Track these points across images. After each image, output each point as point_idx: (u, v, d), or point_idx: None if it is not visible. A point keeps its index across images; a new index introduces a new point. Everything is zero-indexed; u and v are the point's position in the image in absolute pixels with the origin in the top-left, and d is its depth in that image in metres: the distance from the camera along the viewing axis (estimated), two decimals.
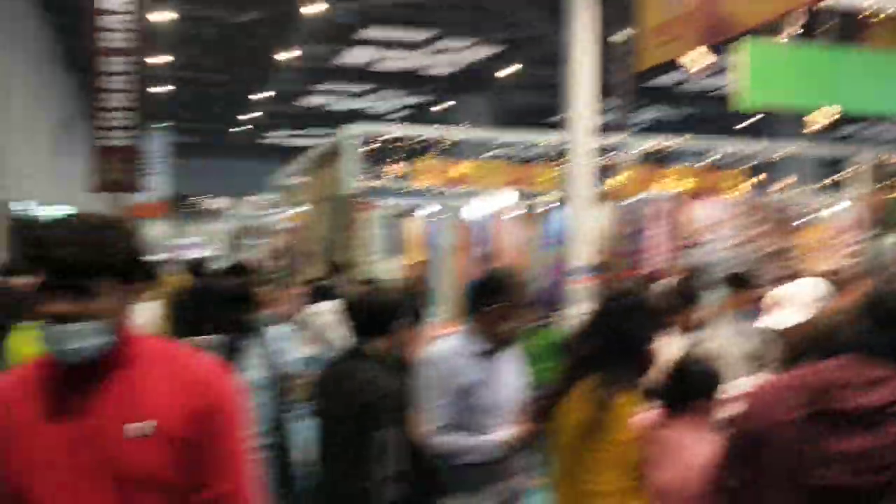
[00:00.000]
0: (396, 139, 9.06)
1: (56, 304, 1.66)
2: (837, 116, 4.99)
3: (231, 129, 29.60)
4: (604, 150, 10.35)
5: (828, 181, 11.29)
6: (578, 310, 4.89)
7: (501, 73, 21.67)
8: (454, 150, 9.88)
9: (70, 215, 1.76)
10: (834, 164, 12.23)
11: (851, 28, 5.24)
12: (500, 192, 10.57)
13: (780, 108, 4.94)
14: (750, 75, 4.81)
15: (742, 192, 10.63)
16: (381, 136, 9.26)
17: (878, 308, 1.91)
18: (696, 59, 4.73)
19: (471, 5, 17.24)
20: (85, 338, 1.68)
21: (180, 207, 30.71)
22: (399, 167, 9.53)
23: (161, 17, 17.51)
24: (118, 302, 1.74)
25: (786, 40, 4.85)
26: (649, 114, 25.80)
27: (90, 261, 1.67)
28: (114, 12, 15.04)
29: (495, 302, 3.08)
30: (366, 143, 8.78)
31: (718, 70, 21.29)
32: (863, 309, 1.94)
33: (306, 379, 3.97)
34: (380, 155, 9.72)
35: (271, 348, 3.84)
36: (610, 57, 18.12)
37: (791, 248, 10.94)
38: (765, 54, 4.85)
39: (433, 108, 25.82)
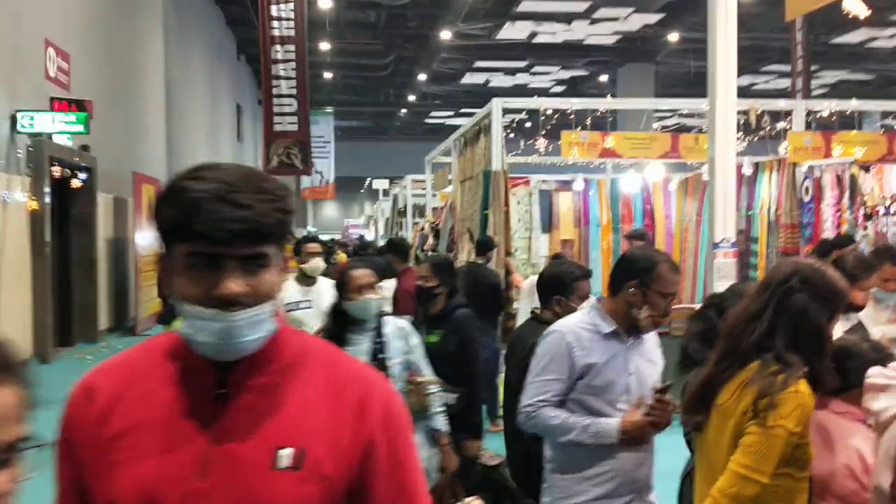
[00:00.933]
0: (543, 112, 8.78)
1: (228, 282, 1.22)
2: None
3: (394, 111, 30.21)
4: (776, 116, 9.69)
5: None
6: (723, 286, 4.51)
7: (662, 41, 20.83)
8: (605, 122, 9.49)
9: (215, 165, 1.30)
10: None
11: None
12: (650, 164, 10.13)
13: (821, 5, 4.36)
14: None
15: None
16: (526, 109, 9.02)
17: None
18: (855, 6, 4.22)
19: None
20: (256, 327, 1.25)
21: (348, 189, 31.78)
22: (545, 141, 9.26)
23: (324, 3, 18.01)
24: (279, 278, 1.29)
25: None
26: (836, 75, 23.97)
27: (266, 221, 1.23)
28: (280, 1, 15.65)
29: (629, 285, 2.87)
30: (512, 118, 8.57)
31: None
32: None
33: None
34: (529, 130, 9.50)
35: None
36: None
37: None
38: None
39: (593, 81, 25.25)
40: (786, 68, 20.04)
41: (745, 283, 4.29)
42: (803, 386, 2.29)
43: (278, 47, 16.16)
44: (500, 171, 8.53)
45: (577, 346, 2.89)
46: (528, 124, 9.48)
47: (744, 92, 17.84)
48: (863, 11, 4.16)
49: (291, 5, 15.75)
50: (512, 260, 8.84)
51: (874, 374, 2.36)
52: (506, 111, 8.75)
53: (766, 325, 2.38)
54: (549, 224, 11.06)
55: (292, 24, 15.78)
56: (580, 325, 2.97)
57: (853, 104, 9.62)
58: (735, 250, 4.65)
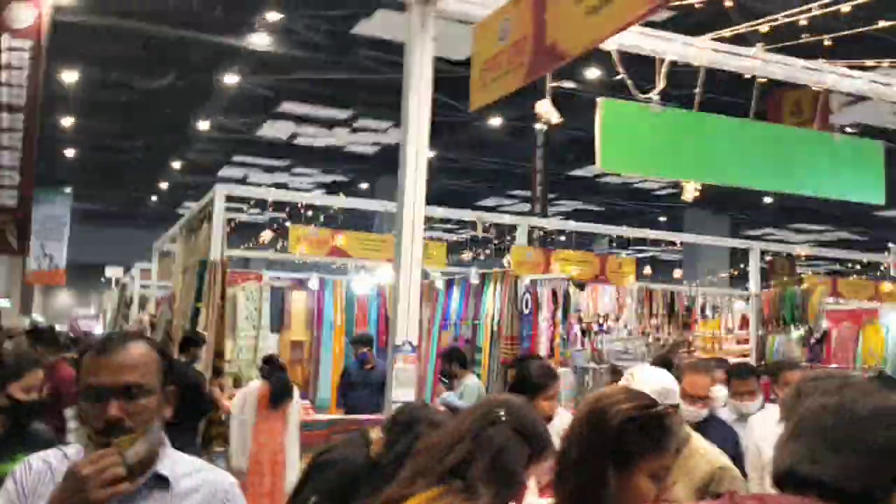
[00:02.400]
0: (270, 204, 8.37)
1: None
2: (698, 193, 4.53)
3: (144, 197, 28.61)
4: (501, 232, 9.98)
5: (726, 274, 10.98)
6: (403, 394, 4.23)
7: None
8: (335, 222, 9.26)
9: None
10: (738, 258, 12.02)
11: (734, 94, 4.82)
12: (382, 267, 10.01)
13: (637, 173, 4.49)
14: (602, 137, 4.34)
15: (630, 281, 10.24)
16: (252, 199, 8.58)
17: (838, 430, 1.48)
18: (547, 111, 4.24)
19: (391, 87, 16.97)
20: None
21: (85, 276, 29.35)
22: (269, 234, 8.83)
23: (70, 77, 16.75)
24: None
25: (654, 103, 4.40)
26: (573, 204, 25.79)
27: None
28: (10, 67, 14.29)
29: None
30: (237, 207, 8.09)
31: None
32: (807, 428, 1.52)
33: None
34: (253, 224, 9.04)
35: None
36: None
37: (686, 340, 10.54)
38: (619, 115, 4.40)
39: (354, 187, 25.41)
40: (528, 193, 21.26)
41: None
42: None
43: (5, 114, 14.64)
44: (217, 262, 7.92)
45: None
46: (249, 212, 9.00)
47: (490, 210, 18.48)
48: (555, 117, 4.15)
49: (24, 72, 14.42)
50: (223, 382, 8.04)
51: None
52: (230, 198, 8.23)
53: (465, 452, 2.15)
54: (279, 323, 10.52)
55: (23, 91, 14.40)
56: None
57: (571, 224, 10.10)
58: (414, 356, 4.39)
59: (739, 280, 14.18)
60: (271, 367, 7.67)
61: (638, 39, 4.39)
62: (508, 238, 9.78)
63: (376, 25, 12.90)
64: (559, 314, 9.06)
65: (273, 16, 12.47)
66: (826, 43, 4.42)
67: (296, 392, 8.04)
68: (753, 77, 4.67)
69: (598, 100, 4.39)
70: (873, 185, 5.01)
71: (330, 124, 19.85)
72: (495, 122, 17.78)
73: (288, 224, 8.34)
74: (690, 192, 4.50)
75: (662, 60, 4.41)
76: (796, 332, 9.85)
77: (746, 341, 10.06)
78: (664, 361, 4.73)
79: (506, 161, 20.91)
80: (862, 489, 1.45)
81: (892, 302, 10.70)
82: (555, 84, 4.30)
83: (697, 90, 4.52)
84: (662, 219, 26.10)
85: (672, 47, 4.43)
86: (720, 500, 1.58)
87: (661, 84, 4.40)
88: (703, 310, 10.33)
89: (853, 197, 5.03)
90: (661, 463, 1.98)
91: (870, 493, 1.45)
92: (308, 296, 10.62)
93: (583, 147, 20.78)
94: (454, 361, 7.91)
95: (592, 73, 14.73)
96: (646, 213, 24.37)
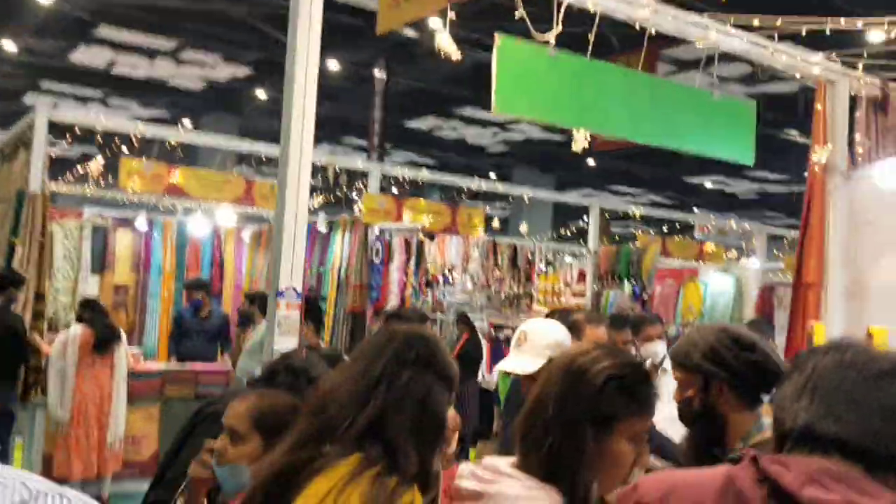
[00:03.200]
0: (101, 135, 7.52)
1: None
2: (588, 141, 4.41)
3: None
4: (351, 177, 9.59)
5: (566, 231, 11.21)
6: (285, 342, 3.85)
7: (250, 95, 20.42)
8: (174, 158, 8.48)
9: None
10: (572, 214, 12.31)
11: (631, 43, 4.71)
12: (222, 209, 9.34)
13: (532, 119, 4.32)
14: (498, 76, 4.09)
15: (480, 233, 10.23)
16: (78, 125, 7.66)
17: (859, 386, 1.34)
18: (447, 45, 3.93)
19: (223, 18, 15.87)
20: None
21: None
22: (98, 167, 7.95)
23: None
24: None
25: (550, 42, 4.20)
26: (407, 156, 25.64)
27: None
28: None
29: None
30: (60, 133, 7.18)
31: (474, 120, 21.36)
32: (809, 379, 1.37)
33: None
34: (80, 153, 8.12)
35: None
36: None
37: (527, 293, 10.70)
38: (516, 54, 4.17)
39: (175, 125, 23.87)
40: (363, 143, 20.84)
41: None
42: (419, 499, 1.69)
43: None
44: (38, 195, 7.03)
45: None
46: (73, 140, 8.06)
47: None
48: (455, 53, 3.85)
49: None
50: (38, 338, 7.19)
51: (465, 474, 1.80)
52: (54, 125, 7.30)
53: (378, 407, 1.80)
54: (101, 265, 9.61)
55: None
56: None
57: (424, 174, 9.88)
58: (300, 302, 4.02)
59: (569, 239, 14.64)
60: (92, 312, 6.99)
61: None
62: (359, 186, 9.42)
63: None
64: (412, 264, 8.86)
65: None
66: None
67: (124, 336, 7.45)
68: (643, 29, 4.59)
69: (496, 35, 4.12)
70: (745, 145, 5.12)
71: (152, 54, 18.40)
72: (333, 66, 17.16)
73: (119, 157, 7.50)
74: (581, 142, 4.37)
75: (560, 2, 4.22)
76: (629, 287, 10.23)
77: (583, 295, 10.34)
78: (560, 316, 4.64)
79: (342, 108, 20.34)
80: (888, 453, 1.32)
81: (713, 261, 11.39)
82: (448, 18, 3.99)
83: (591, 36, 4.36)
84: (493, 175, 26.57)
85: None
86: (741, 464, 1.41)
87: (558, 26, 4.21)
88: (546, 263, 10.51)
89: (725, 155, 5.12)
90: (642, 425, 1.80)
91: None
92: (134, 236, 9.77)
93: (421, 98, 20.62)
94: (255, 304, 7.41)
95: (435, 22, 14.54)
96: (477, 169, 24.61)
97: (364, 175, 9.55)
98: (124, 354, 7.24)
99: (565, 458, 1.73)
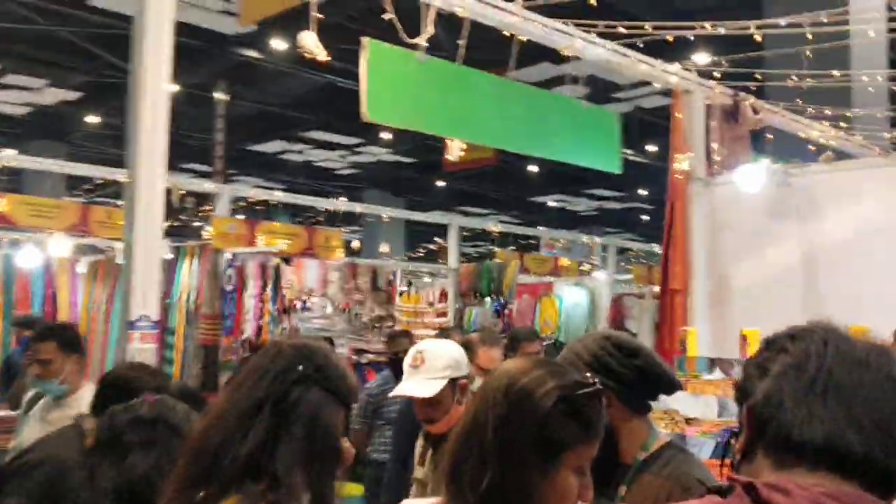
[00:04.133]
0: None
1: None
2: (463, 150, 4.22)
3: None
4: (201, 199, 8.99)
5: (423, 249, 11.04)
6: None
7: (79, 120, 19.14)
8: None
9: None
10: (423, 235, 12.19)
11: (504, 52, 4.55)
12: (55, 238, 8.46)
13: (402, 126, 4.10)
14: (369, 82, 3.83)
15: (339, 255, 9.87)
16: None
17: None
18: (311, 44, 3.63)
19: (47, 41, 14.72)
20: None
21: None
22: None
23: None
24: None
25: (421, 49, 3.98)
26: (255, 181, 24.78)
27: None
28: None
29: None
30: None
31: (322, 143, 20.89)
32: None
33: None
34: None
35: None
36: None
37: (389, 315, 10.42)
38: (385, 58, 3.92)
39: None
40: (205, 168, 19.92)
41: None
42: None
43: None
44: None
45: None
46: None
47: None
48: (321, 54, 3.55)
49: None
50: None
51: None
52: None
53: (261, 435, 1.52)
54: None
55: None
56: None
57: (278, 195, 9.43)
58: (156, 332, 3.56)
59: (421, 259, 14.50)
60: None
61: None
62: (205, 210, 8.84)
63: None
64: (269, 290, 8.36)
65: None
66: (591, 1, 4.33)
67: None
68: (512, 35, 4.47)
69: (364, 40, 3.86)
70: (611, 155, 5.11)
71: None
72: (171, 87, 16.34)
73: None
74: (456, 151, 4.17)
75: (428, 6, 4.01)
76: (490, 304, 10.17)
77: (445, 314, 10.19)
78: (447, 336, 4.44)
79: (181, 131, 19.40)
80: None
81: (567, 275, 11.57)
82: (319, 15, 3.68)
83: (461, 41, 4.18)
84: (343, 198, 26.16)
85: None
86: (733, 494, 1.16)
87: (428, 30, 4.00)
88: (410, 284, 10.28)
89: (593, 164, 5.08)
90: (590, 453, 1.56)
91: None
92: None
93: (265, 121, 19.99)
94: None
95: (278, 43, 14.07)
96: (327, 193, 24.12)
97: (210, 198, 8.98)
98: None
99: (509, 498, 1.47)
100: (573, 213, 25.65)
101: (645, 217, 24.94)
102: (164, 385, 3.29)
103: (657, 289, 12.64)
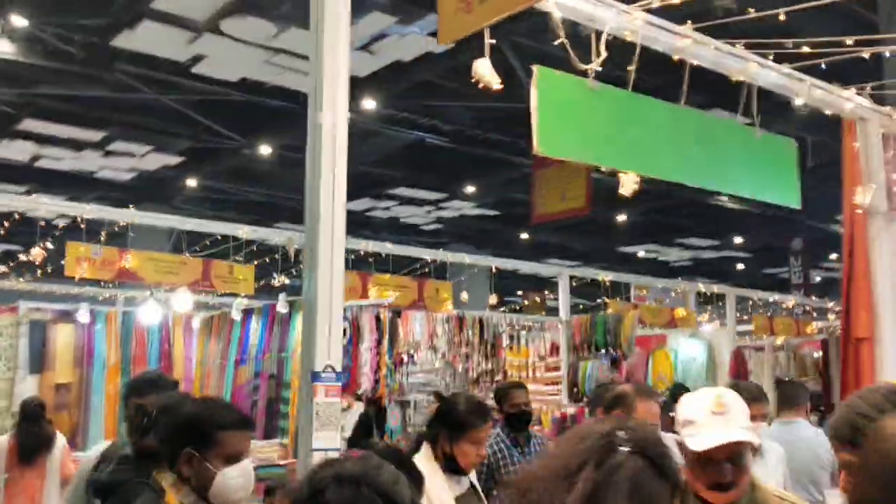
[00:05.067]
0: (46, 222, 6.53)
1: None
2: (636, 186, 3.77)
3: None
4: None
5: (534, 300, 10.56)
6: (323, 439, 2.97)
7: (180, 185, 19.46)
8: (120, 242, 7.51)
9: None
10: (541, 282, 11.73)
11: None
12: (177, 294, 8.29)
13: (574, 159, 3.68)
14: (540, 113, 3.43)
15: (448, 308, 9.46)
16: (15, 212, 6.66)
17: None
18: (486, 73, 3.27)
19: (150, 108, 14.98)
20: None
21: None
22: (41, 253, 6.95)
23: None
24: None
25: (592, 75, 3.58)
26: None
27: None
28: None
29: None
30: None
31: (407, 199, 20.89)
32: None
33: None
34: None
35: None
36: None
37: (497, 369, 9.91)
38: (556, 88, 3.53)
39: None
40: (294, 226, 19.93)
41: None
42: None
43: None
44: None
45: None
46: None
47: (262, 245, 17.09)
48: (495, 82, 3.18)
49: None
50: None
51: None
52: None
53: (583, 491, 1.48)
54: (40, 363, 8.43)
55: None
56: None
57: (388, 248, 9.13)
58: (339, 385, 3.17)
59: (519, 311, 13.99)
60: (25, 416, 6.42)
61: (577, 2, 3.57)
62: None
63: (139, 38, 11.17)
64: (385, 342, 7.99)
65: (18, 20, 10.33)
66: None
67: (62, 441, 6.63)
68: (681, 60, 4.04)
69: (534, 67, 3.48)
70: (790, 187, 4.59)
71: (79, 146, 17.28)
72: (265, 150, 16.45)
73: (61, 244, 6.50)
74: (630, 185, 3.72)
75: (600, 31, 3.63)
76: (607, 358, 9.59)
77: (558, 368, 9.63)
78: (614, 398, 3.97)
79: (273, 192, 19.53)
80: None
81: (685, 327, 10.88)
82: (492, 41, 3.33)
83: (633, 67, 3.77)
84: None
85: (610, 15, 3.67)
86: None
87: (601, 54, 3.60)
88: (513, 337, 9.78)
89: (772, 198, 4.57)
90: None
91: None
92: (75, 329, 8.61)
93: (353, 179, 20.00)
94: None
95: (367, 102, 14.00)
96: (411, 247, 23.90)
97: None
98: (58, 461, 6.38)
99: None
100: (664, 264, 24.80)
101: (740, 266, 23.94)
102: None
103: (779, 340, 11.85)
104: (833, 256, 24.84)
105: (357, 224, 23.13)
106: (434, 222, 23.63)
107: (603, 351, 9.61)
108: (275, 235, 8.59)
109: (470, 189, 19.23)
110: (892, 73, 4.79)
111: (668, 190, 19.84)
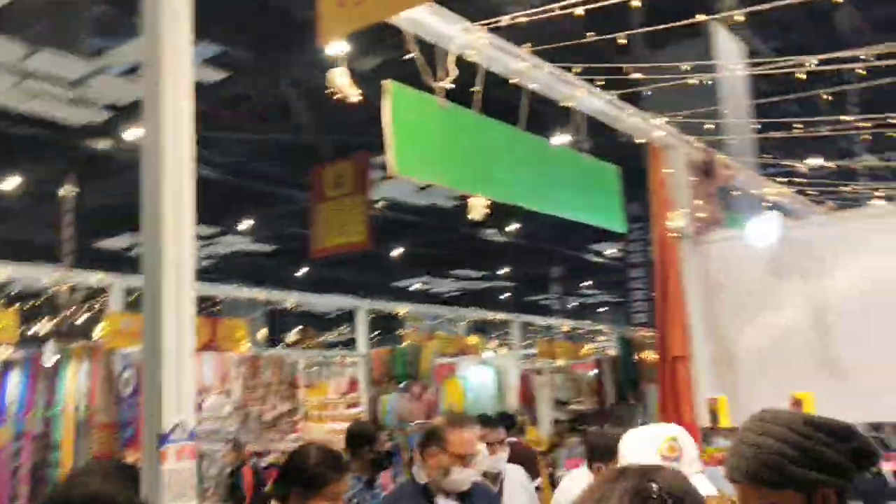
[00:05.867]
0: None
1: None
2: (487, 211, 3.57)
3: None
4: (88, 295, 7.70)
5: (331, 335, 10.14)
6: None
7: None
8: None
9: None
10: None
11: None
12: None
13: (430, 181, 3.37)
14: (394, 130, 3.14)
15: (245, 348, 8.77)
16: None
17: None
18: (342, 83, 2.93)
19: None
20: None
21: None
22: None
23: None
24: None
25: (443, 94, 3.35)
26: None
27: None
28: None
29: None
30: None
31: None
32: None
33: None
34: None
35: None
36: None
37: (295, 408, 9.33)
38: (408, 103, 3.26)
39: None
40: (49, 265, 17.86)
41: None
42: None
43: None
44: None
45: None
46: None
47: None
48: (354, 95, 2.85)
49: None
50: None
51: None
52: None
53: None
54: None
55: None
56: None
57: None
58: (193, 445, 2.60)
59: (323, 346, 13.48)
60: None
61: (427, 18, 3.31)
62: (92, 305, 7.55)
63: None
64: None
65: None
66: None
67: None
68: (517, 87, 3.94)
69: (386, 82, 3.18)
70: (613, 211, 4.63)
71: None
72: (7, 185, 14.71)
73: None
74: (480, 209, 3.51)
75: (446, 50, 3.42)
76: (407, 390, 9.35)
77: (357, 403, 9.24)
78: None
79: (22, 228, 17.43)
80: None
81: (473, 354, 10.94)
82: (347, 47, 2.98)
83: (478, 87, 3.60)
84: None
85: (455, 32, 3.47)
86: None
87: (450, 72, 3.39)
88: (310, 374, 9.25)
89: (597, 221, 4.56)
90: None
91: None
92: None
93: (115, 213, 18.32)
94: None
95: (130, 133, 12.93)
96: None
97: (98, 293, 7.71)
98: None
99: None
100: (436, 295, 25.28)
101: (506, 294, 24.98)
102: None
103: (559, 362, 12.31)
104: (585, 284, 26.74)
105: (118, 261, 21.24)
106: (206, 258, 22.39)
107: (403, 384, 9.38)
108: (42, 275, 7.46)
109: (246, 223, 18.40)
110: (702, 103, 5.07)
111: (440, 225, 20.33)
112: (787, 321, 4.47)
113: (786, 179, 5.88)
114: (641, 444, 2.30)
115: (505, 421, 5.22)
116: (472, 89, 3.53)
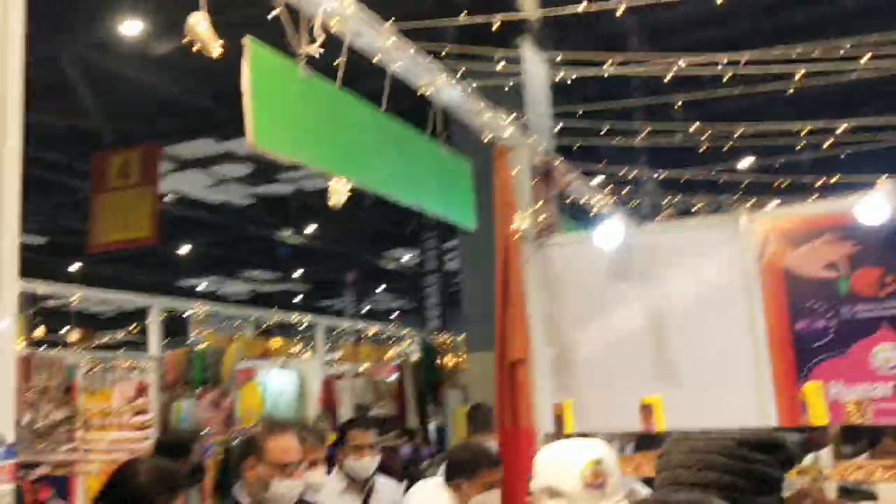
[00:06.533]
0: None
1: None
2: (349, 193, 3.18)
3: None
4: None
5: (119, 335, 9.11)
6: None
7: None
8: None
9: None
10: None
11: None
12: None
13: (293, 159, 2.87)
14: (252, 97, 2.69)
15: (21, 346, 7.58)
16: None
17: None
18: (201, 31, 2.44)
19: None
20: None
21: None
22: None
23: None
24: None
25: (304, 62, 2.94)
26: None
27: None
28: None
29: None
30: None
31: None
32: None
33: None
34: None
35: None
36: None
37: (73, 416, 8.26)
38: (268, 72, 2.80)
39: None
40: None
41: None
42: None
43: None
44: None
45: None
46: None
47: None
48: (214, 46, 2.39)
49: None
50: None
51: None
52: None
53: None
54: None
55: None
56: None
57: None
58: (14, 463, 1.98)
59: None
60: None
61: None
62: None
63: None
64: None
65: None
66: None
67: None
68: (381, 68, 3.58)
69: (246, 39, 2.71)
70: (465, 207, 4.38)
71: None
72: None
73: None
74: (342, 193, 3.11)
75: (311, 15, 3.01)
76: (207, 396, 8.58)
77: (146, 411, 8.31)
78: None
79: None
80: None
81: (277, 357, 10.32)
82: None
83: (342, 59, 3.21)
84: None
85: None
86: None
87: (317, 38, 2.97)
88: (92, 379, 8.19)
89: (451, 216, 4.29)
90: None
91: None
92: None
93: None
94: None
95: None
96: None
97: None
98: None
99: None
100: (224, 298, 24.07)
101: (300, 297, 24.29)
102: None
103: (362, 367, 11.96)
104: (379, 289, 26.69)
105: None
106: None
107: (200, 389, 8.61)
108: None
109: None
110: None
111: (230, 224, 19.32)
112: (628, 326, 4.49)
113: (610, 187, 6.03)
114: (560, 467, 2.06)
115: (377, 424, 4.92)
116: (335, 63, 3.13)
